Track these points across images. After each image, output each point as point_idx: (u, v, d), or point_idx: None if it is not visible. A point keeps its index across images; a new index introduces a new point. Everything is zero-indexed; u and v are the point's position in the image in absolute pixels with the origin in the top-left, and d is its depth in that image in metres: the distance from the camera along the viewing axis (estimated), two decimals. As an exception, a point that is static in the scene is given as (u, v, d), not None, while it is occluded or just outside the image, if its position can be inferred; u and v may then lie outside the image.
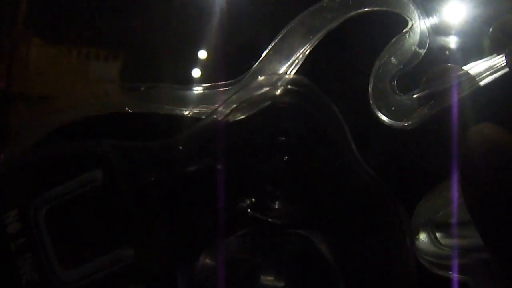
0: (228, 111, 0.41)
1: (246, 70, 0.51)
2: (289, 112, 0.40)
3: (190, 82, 0.58)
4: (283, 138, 0.41)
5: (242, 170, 0.41)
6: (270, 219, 0.41)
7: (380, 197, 0.40)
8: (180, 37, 0.61)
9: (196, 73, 0.58)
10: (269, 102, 0.41)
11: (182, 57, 0.60)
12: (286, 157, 0.41)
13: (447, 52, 0.45)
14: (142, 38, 0.62)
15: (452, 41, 0.47)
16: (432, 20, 0.43)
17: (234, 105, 0.41)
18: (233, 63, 0.55)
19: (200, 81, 0.58)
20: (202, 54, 0.58)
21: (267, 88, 0.41)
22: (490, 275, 0.38)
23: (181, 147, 0.40)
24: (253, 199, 0.41)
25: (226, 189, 0.40)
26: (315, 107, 0.40)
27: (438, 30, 0.42)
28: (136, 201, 0.39)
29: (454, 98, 0.38)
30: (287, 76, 0.42)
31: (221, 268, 0.41)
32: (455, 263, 0.39)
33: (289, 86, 0.41)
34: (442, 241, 0.40)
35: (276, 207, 0.41)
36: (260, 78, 0.42)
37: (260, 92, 0.41)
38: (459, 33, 0.47)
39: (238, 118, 0.41)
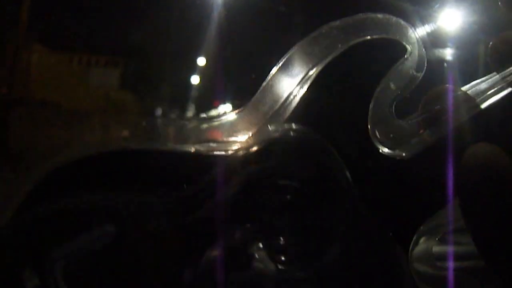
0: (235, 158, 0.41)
1: (245, 78, 0.51)
2: (292, 157, 0.41)
3: (189, 88, 0.59)
4: (285, 181, 0.41)
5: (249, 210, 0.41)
6: (277, 264, 0.41)
7: (378, 237, 0.41)
8: (179, 44, 0.62)
9: (195, 80, 0.58)
10: (271, 146, 0.41)
11: (181, 64, 0.61)
12: (288, 197, 0.41)
13: (445, 64, 0.45)
14: (141, 45, 0.62)
15: (448, 49, 0.47)
16: (428, 28, 0.43)
17: (242, 152, 0.41)
18: (232, 70, 0.55)
19: (199, 87, 0.59)
20: (201, 61, 0.58)
21: (270, 134, 0.41)
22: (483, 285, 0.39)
23: (189, 199, 0.41)
24: (260, 244, 0.41)
25: (233, 231, 0.41)
26: (318, 154, 0.41)
27: (434, 38, 0.43)
28: (148, 251, 0.40)
29: (450, 125, 0.39)
30: (292, 126, 0.42)
31: None
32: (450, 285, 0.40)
33: (292, 133, 0.41)
34: (440, 265, 0.41)
35: (281, 243, 0.41)
36: (271, 127, 0.42)
37: (266, 137, 0.41)
38: (455, 40, 0.47)
39: (245, 162, 0.41)
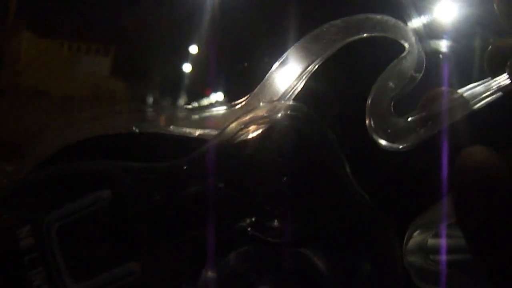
0: (230, 134, 0.42)
1: (237, 66, 0.52)
2: (288, 136, 0.42)
3: (181, 77, 0.59)
4: (282, 161, 0.42)
5: (243, 190, 0.42)
6: (269, 238, 0.42)
7: (373, 219, 0.42)
8: (171, 31, 0.62)
9: (187, 68, 0.58)
10: (269, 125, 0.42)
11: (173, 52, 0.61)
12: (284, 179, 0.42)
13: (440, 56, 0.46)
14: (133, 33, 0.62)
15: (444, 42, 0.48)
16: (424, 20, 0.44)
17: (236, 129, 0.42)
18: (224, 58, 0.56)
19: (190, 75, 0.59)
20: (193, 49, 0.59)
21: (268, 113, 0.42)
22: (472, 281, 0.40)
23: (185, 168, 0.42)
24: (253, 219, 0.42)
25: (227, 208, 0.42)
26: (312, 132, 0.42)
27: (430, 30, 0.43)
28: (142, 219, 0.41)
29: (445, 123, 0.40)
30: (288, 103, 0.43)
31: (221, 282, 0.42)
32: (443, 279, 0.41)
33: (288, 112, 0.42)
34: (433, 258, 0.42)
35: (275, 226, 0.42)
36: (264, 103, 0.43)
37: (261, 116, 0.42)
38: (450, 33, 0.48)
39: (240, 140, 0.42)
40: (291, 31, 0.47)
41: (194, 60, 0.59)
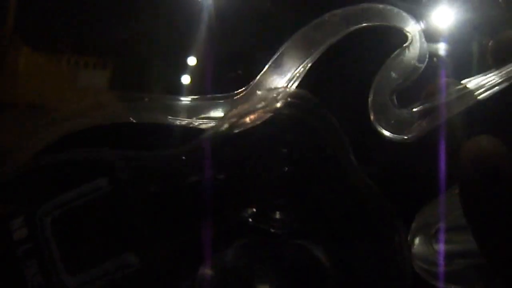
0: (230, 123, 0.42)
1: (235, 77, 0.52)
2: (290, 124, 0.41)
3: (180, 88, 0.59)
4: (284, 150, 0.41)
5: (244, 180, 0.41)
6: (271, 229, 0.41)
7: (378, 208, 0.41)
8: (169, 43, 0.62)
9: (186, 79, 0.58)
10: (271, 114, 0.41)
11: (171, 64, 0.61)
12: (286, 168, 0.41)
13: (434, 59, 0.45)
14: (130, 46, 0.62)
15: (441, 46, 0.48)
16: (421, 26, 0.43)
17: (237, 117, 0.42)
18: (222, 69, 0.55)
19: (189, 87, 0.59)
20: (191, 61, 0.58)
21: (269, 101, 0.41)
22: (482, 280, 0.40)
23: (184, 158, 0.41)
24: (254, 209, 0.41)
25: (227, 199, 0.41)
26: (315, 119, 0.41)
27: (427, 36, 0.43)
28: (140, 209, 0.40)
29: (449, 114, 0.40)
30: (288, 90, 0.43)
31: (220, 277, 0.41)
32: (441, 268, 0.40)
33: (289, 99, 0.42)
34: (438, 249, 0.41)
35: (277, 217, 0.41)
36: (262, 91, 0.42)
37: (262, 104, 0.42)
38: (448, 38, 0.48)
39: (241, 130, 0.41)
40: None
41: (193, 71, 0.58)
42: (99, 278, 0.39)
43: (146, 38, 0.63)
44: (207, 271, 0.41)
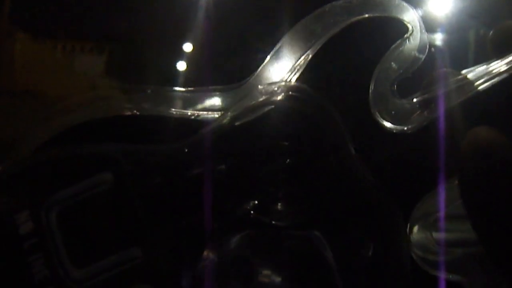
0: (232, 116, 0.42)
1: (232, 64, 0.51)
2: (290, 117, 0.41)
3: (176, 75, 0.59)
4: (285, 142, 0.42)
5: (245, 173, 0.42)
6: (272, 221, 0.42)
7: (378, 199, 0.41)
8: (165, 29, 0.61)
9: (182, 66, 0.58)
10: (272, 107, 0.42)
11: (167, 50, 0.60)
12: (288, 160, 0.42)
13: (432, 49, 0.45)
14: (127, 31, 0.62)
15: (438, 35, 0.48)
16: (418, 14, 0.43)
17: (238, 110, 0.42)
18: (219, 56, 0.55)
19: (185, 74, 0.59)
20: (188, 47, 0.58)
21: (270, 94, 0.42)
22: (481, 269, 0.40)
23: (187, 150, 0.41)
24: (256, 202, 0.42)
25: (229, 191, 0.41)
26: (316, 112, 0.41)
27: (424, 24, 0.43)
28: (144, 202, 0.40)
29: (449, 104, 0.40)
30: (288, 83, 0.43)
31: (221, 268, 0.42)
32: (442, 258, 0.41)
33: (290, 93, 0.42)
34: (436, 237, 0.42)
35: (278, 209, 0.42)
36: (263, 85, 0.43)
37: (263, 98, 0.42)
38: (444, 27, 0.48)
39: (242, 122, 0.42)
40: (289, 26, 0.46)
41: (189, 58, 0.58)
42: (104, 271, 0.39)
43: (142, 23, 0.62)
44: (208, 260, 0.42)
